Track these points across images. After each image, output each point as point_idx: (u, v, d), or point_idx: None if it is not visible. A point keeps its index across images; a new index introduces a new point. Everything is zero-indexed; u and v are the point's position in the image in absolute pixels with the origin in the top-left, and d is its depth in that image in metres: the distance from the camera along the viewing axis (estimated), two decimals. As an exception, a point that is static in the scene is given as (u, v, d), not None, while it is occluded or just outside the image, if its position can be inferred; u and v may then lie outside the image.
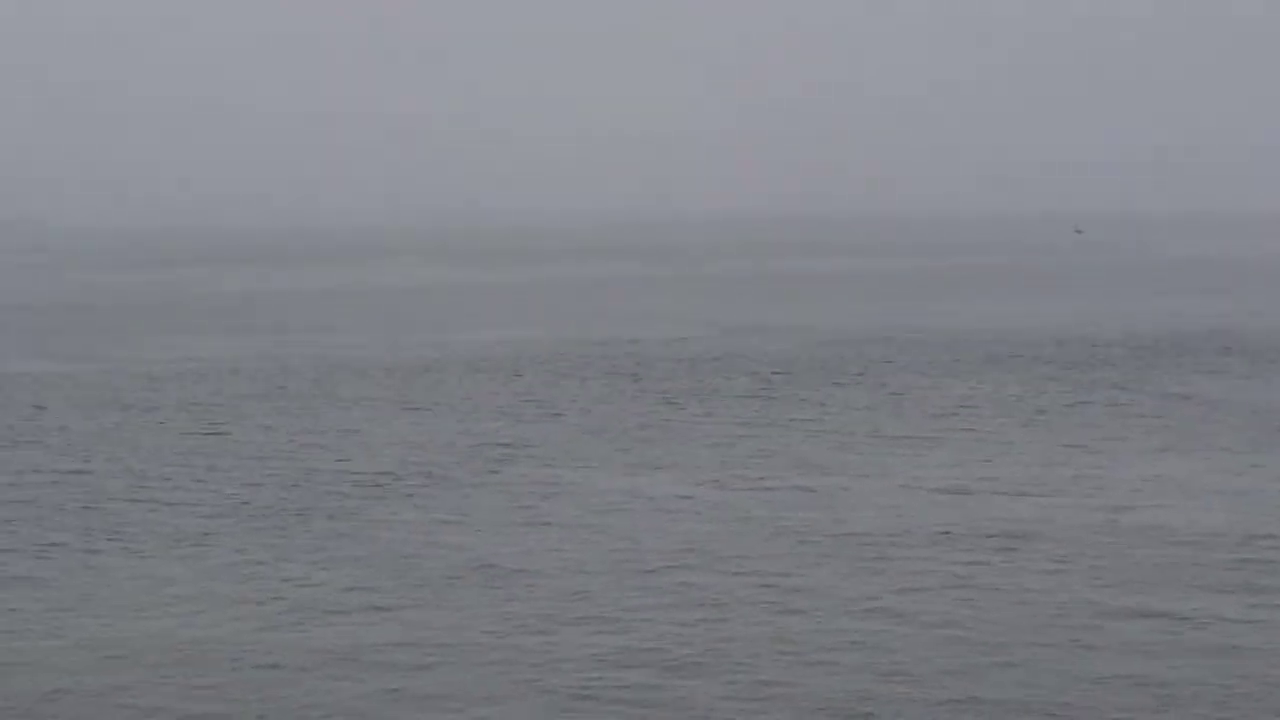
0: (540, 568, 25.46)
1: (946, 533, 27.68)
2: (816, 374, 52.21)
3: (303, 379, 52.80)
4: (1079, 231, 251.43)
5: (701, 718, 18.52)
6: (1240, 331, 66.19)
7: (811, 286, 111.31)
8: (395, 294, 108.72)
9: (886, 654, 20.66)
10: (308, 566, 25.69)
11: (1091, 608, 22.72)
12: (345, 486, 32.68)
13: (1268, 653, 20.60)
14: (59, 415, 44.08)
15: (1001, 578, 24.60)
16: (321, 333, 73.12)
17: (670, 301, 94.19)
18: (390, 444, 38.33)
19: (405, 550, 26.79)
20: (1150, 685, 19.33)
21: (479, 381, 51.52)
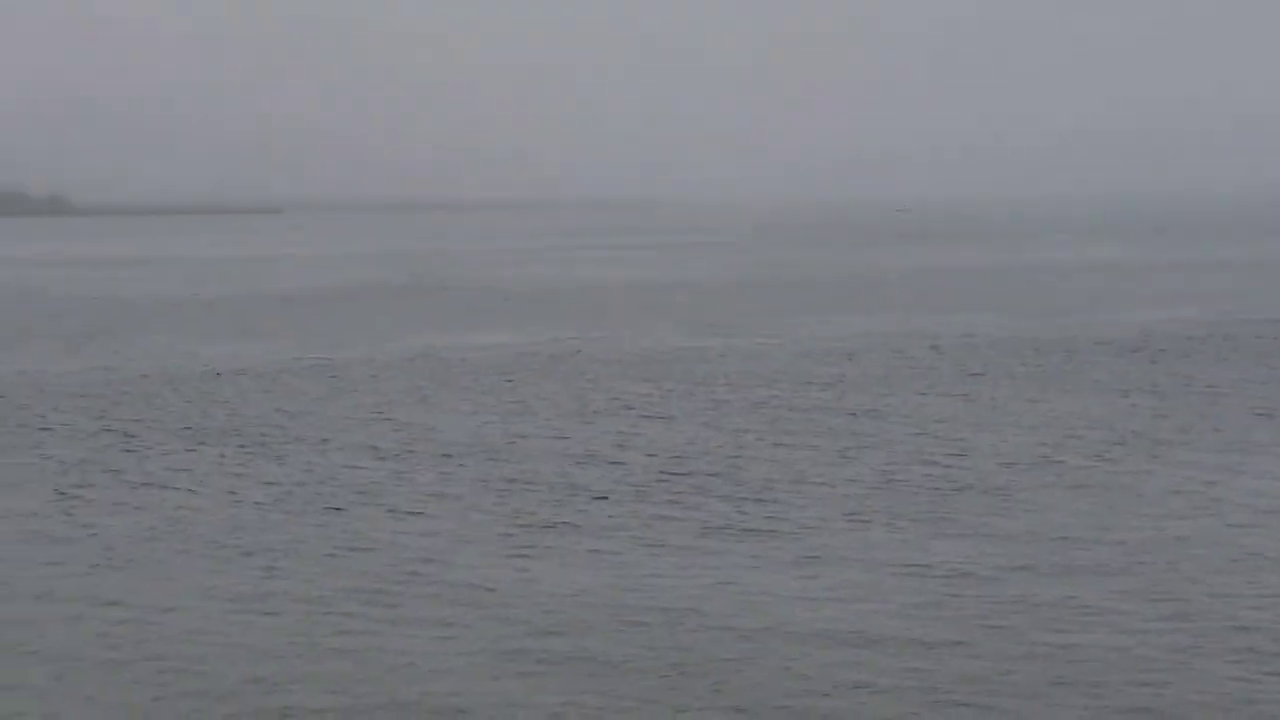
0: (1205, 557, 24.13)
1: None
2: None
3: (949, 358, 52.36)
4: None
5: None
6: None
7: None
8: (1041, 272, 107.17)
9: None
10: (963, 547, 25.09)
11: None
12: (995, 465, 31.93)
13: None
14: (713, 390, 44.86)
15: None
16: (962, 311, 72.49)
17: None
18: (1041, 423, 37.36)
19: (1061, 534, 25.87)
20: None
21: (1134, 362, 49.92)
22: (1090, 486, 29.80)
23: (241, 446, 35.58)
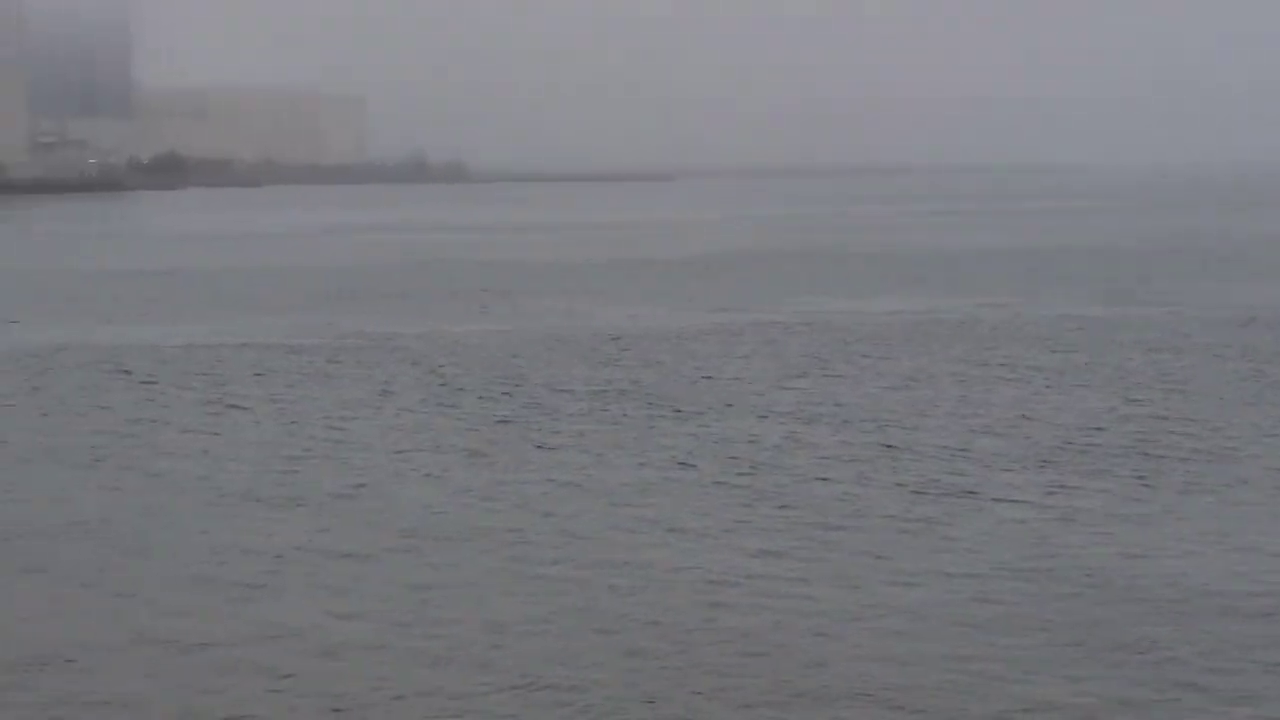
0: None
1: None
2: None
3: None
4: None
5: None
6: None
7: None
8: None
9: None
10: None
11: None
12: None
13: None
14: (1118, 358, 43.87)
15: None
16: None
17: None
18: None
19: None
20: None
21: None
22: None
23: (642, 409, 35.97)
